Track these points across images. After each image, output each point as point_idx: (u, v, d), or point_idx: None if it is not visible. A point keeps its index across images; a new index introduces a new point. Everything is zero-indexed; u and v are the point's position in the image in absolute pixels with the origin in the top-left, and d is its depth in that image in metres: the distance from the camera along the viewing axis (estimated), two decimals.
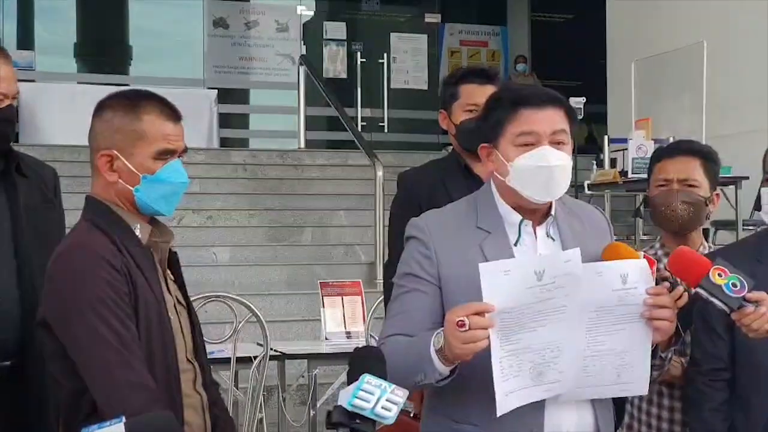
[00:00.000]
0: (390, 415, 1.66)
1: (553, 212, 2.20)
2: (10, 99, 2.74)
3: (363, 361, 1.77)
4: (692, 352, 2.64)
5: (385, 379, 1.71)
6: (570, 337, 2.02)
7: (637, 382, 2.11)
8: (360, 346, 1.91)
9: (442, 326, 2.02)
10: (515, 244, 2.16)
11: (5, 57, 2.74)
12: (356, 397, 1.66)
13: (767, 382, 2.50)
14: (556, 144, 2.12)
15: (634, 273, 2.07)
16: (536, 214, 2.19)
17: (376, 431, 1.72)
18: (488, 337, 1.92)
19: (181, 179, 2.24)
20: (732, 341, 2.56)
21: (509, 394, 1.98)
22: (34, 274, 2.56)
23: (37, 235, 2.71)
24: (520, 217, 2.17)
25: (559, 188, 2.14)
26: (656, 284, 2.18)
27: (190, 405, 2.23)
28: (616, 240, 2.35)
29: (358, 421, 1.66)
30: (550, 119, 2.12)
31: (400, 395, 1.69)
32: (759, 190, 2.68)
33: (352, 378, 1.73)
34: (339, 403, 1.68)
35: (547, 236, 2.19)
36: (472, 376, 2.00)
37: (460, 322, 1.89)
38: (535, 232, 2.18)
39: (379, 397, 1.67)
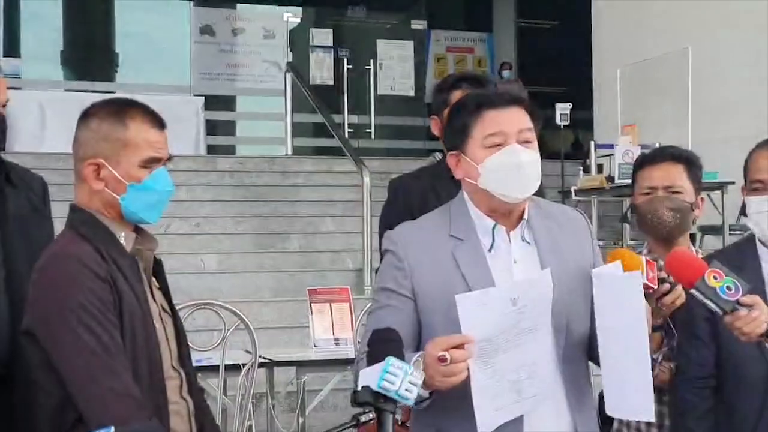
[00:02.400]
0: (411, 396, 1.78)
1: (526, 216, 2.20)
2: None
3: (385, 344, 1.86)
4: (677, 361, 2.65)
5: (404, 361, 1.80)
6: (544, 353, 2.05)
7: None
8: (379, 329, 1.98)
9: (419, 342, 2.07)
10: (489, 250, 2.17)
11: None
12: (384, 380, 1.76)
13: (752, 389, 2.51)
14: (524, 143, 2.13)
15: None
16: (509, 218, 2.18)
17: None
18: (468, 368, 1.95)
19: (167, 187, 2.24)
20: (717, 349, 2.57)
21: (492, 413, 2.00)
22: (23, 283, 2.54)
23: (26, 244, 2.70)
24: (493, 223, 2.17)
25: (531, 184, 2.14)
26: (657, 285, 2.21)
27: (176, 412, 2.22)
28: (602, 246, 2.36)
29: (381, 400, 1.77)
30: (516, 118, 2.14)
31: (418, 377, 1.79)
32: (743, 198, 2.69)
33: (373, 360, 1.81)
34: (365, 384, 1.78)
35: (522, 240, 2.19)
36: (455, 388, 2.00)
37: (441, 357, 1.92)
38: (509, 237, 2.19)
39: (402, 379, 1.77)
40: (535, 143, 2.16)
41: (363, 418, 1.76)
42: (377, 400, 1.77)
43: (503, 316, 1.98)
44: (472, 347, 1.94)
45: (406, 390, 1.77)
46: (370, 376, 1.78)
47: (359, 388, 1.79)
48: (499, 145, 2.12)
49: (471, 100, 2.20)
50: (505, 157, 2.11)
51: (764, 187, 2.56)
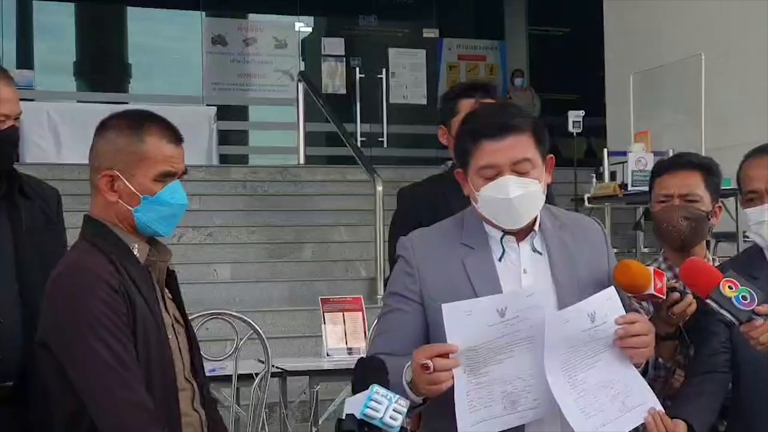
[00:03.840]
0: (396, 424, 1.77)
1: (536, 227, 2.20)
2: (12, 120, 2.74)
3: (369, 372, 1.86)
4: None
5: (389, 389, 1.80)
6: (541, 365, 2.03)
7: (647, 401, 2.11)
8: (364, 358, 1.99)
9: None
10: (500, 260, 2.17)
11: (7, 78, 2.74)
12: (368, 407, 1.76)
13: None
14: (520, 173, 2.12)
15: (602, 308, 2.06)
16: (519, 229, 2.19)
17: None
18: (453, 377, 1.95)
19: (180, 201, 2.24)
20: (732, 354, 2.52)
21: (477, 424, 2.00)
22: (37, 296, 2.55)
23: (40, 256, 2.70)
24: (501, 233, 2.18)
25: (522, 217, 2.14)
26: (666, 295, 2.19)
27: (188, 424, 2.22)
28: (615, 253, 2.35)
29: (366, 429, 1.77)
30: (511, 149, 2.11)
31: (403, 405, 1.79)
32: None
33: (358, 388, 1.81)
34: (350, 412, 1.77)
35: (534, 251, 2.19)
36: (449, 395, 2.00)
37: (424, 365, 1.93)
38: (518, 247, 2.19)
39: (387, 407, 1.77)
40: (536, 171, 2.13)
41: None
42: (362, 429, 1.77)
43: (489, 327, 1.99)
44: (457, 356, 1.96)
45: (391, 418, 1.77)
46: (354, 404, 1.78)
47: (344, 416, 1.79)
48: (492, 177, 2.12)
49: (469, 128, 2.18)
50: (495, 190, 2.11)
51: (759, 197, 2.54)
